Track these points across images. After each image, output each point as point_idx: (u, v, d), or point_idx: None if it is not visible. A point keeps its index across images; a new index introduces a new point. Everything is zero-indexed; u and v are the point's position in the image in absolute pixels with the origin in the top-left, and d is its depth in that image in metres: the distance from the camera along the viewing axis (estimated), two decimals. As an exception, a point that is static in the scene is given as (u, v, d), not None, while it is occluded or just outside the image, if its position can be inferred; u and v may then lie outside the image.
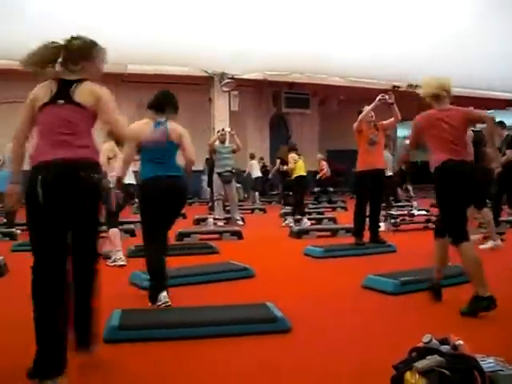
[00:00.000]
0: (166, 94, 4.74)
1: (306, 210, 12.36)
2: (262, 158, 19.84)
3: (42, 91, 3.09)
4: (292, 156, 11.45)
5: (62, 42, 3.22)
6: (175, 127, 4.58)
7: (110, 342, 3.43)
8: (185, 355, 3.28)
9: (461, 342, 2.43)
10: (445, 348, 2.43)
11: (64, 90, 3.02)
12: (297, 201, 11.55)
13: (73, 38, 3.24)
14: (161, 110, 4.58)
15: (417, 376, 2.28)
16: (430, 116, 4.51)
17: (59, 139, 2.93)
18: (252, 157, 18.90)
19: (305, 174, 11.53)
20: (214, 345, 3.43)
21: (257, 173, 18.60)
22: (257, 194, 18.57)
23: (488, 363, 2.45)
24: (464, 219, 4.33)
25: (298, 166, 11.43)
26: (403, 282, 4.82)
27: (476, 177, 4.50)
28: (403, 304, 4.49)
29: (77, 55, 3.17)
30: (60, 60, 3.17)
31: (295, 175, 11.39)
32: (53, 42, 3.19)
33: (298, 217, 11.04)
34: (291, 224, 10.60)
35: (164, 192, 4.38)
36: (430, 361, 2.29)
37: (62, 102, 3.00)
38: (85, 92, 3.03)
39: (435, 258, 4.62)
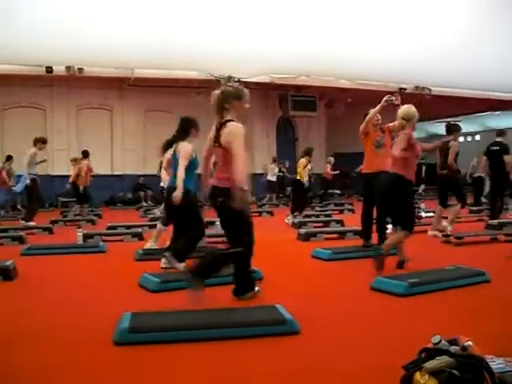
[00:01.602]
0: None
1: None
2: (281, 163, 20.06)
3: None
4: (302, 161, 12.25)
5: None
6: None
7: (120, 345, 3.45)
8: (194, 357, 3.29)
9: (470, 342, 2.43)
10: (454, 349, 2.44)
11: None
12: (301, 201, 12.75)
13: None
14: None
15: (426, 376, 2.29)
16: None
17: None
18: (274, 160, 19.38)
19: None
20: (223, 347, 3.45)
21: (271, 176, 19.02)
22: (268, 196, 18.92)
23: (497, 364, 2.46)
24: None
25: (306, 171, 12.21)
26: (412, 283, 4.82)
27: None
28: (412, 305, 4.49)
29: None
30: None
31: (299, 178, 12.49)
32: None
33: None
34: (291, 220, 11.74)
35: None
36: (440, 361, 2.29)
37: None
38: None
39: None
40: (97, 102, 19.72)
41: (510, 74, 19.88)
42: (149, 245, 7.55)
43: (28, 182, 11.11)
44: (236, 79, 17.70)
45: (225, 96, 4.67)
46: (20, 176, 12.36)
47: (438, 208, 9.21)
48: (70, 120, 19.37)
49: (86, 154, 14.17)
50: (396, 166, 5.99)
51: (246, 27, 16.67)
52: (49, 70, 16.43)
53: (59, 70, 16.57)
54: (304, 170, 12.41)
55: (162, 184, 8.16)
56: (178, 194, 5.91)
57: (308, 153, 12.73)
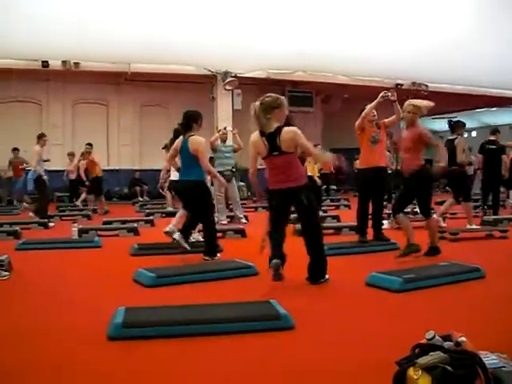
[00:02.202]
0: None
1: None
2: None
3: None
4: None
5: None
6: None
7: (114, 340, 3.44)
8: (189, 353, 3.28)
9: (464, 338, 2.43)
10: (448, 344, 2.43)
11: None
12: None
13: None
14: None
15: (420, 372, 2.28)
16: None
17: None
18: None
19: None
20: (217, 342, 3.44)
21: None
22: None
23: (491, 359, 2.46)
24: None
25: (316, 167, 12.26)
26: (407, 279, 4.83)
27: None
28: (406, 301, 4.49)
29: None
30: None
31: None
32: None
33: None
34: None
35: None
36: (433, 357, 2.29)
37: None
38: None
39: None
40: (93, 97, 19.66)
41: (506, 71, 19.90)
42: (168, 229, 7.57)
43: (35, 176, 11.21)
44: (233, 74, 17.69)
45: (265, 107, 4.93)
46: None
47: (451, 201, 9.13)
48: (65, 115, 19.30)
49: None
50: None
51: (243, 22, 16.62)
52: (45, 64, 16.35)
53: (55, 64, 16.49)
54: (315, 166, 12.29)
55: (173, 177, 8.53)
56: (221, 182, 8.02)
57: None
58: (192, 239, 7.23)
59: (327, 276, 5.16)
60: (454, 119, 10.20)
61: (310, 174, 12.14)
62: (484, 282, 5.14)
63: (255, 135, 5.06)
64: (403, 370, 2.37)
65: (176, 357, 3.23)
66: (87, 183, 14.55)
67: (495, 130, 11.28)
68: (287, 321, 3.67)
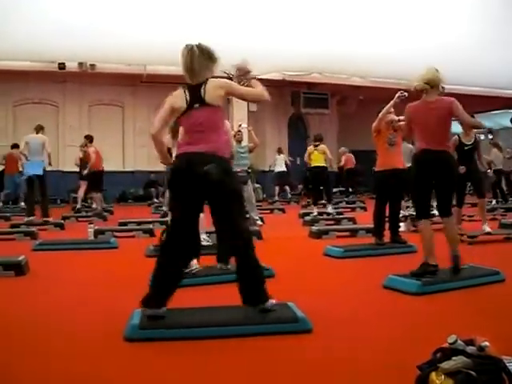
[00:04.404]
0: None
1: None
2: (291, 160, 19.95)
3: None
4: (309, 149, 12.17)
5: None
6: None
7: (131, 341, 3.43)
8: (206, 355, 3.26)
9: (487, 343, 2.38)
10: (470, 349, 2.39)
11: None
12: (312, 191, 12.94)
13: None
14: None
15: (443, 377, 2.24)
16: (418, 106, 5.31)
17: None
18: (279, 151, 19.12)
19: (320, 164, 12.34)
20: (235, 345, 3.42)
21: (280, 167, 18.73)
22: (277, 188, 18.80)
23: (514, 365, 2.41)
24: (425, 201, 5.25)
25: (314, 157, 12.17)
26: (425, 282, 4.77)
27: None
28: (426, 305, 4.44)
29: None
30: None
31: (311, 166, 12.57)
32: None
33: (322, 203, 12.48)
34: (315, 213, 11.99)
35: None
36: (457, 362, 2.25)
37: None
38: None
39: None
40: (109, 99, 19.77)
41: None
42: None
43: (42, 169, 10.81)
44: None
45: (203, 52, 4.12)
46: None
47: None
48: (82, 116, 19.41)
49: (91, 139, 13.67)
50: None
51: (259, 24, 16.64)
52: (61, 66, 16.50)
53: (72, 66, 16.63)
54: (312, 157, 12.41)
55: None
56: None
57: (318, 140, 12.61)
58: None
59: (272, 301, 3.76)
60: None
61: (323, 164, 12.22)
62: (504, 285, 5.06)
63: (177, 91, 4.02)
64: (425, 374, 2.33)
65: (193, 359, 3.21)
66: (84, 174, 13.52)
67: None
68: (305, 324, 3.64)
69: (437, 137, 5.14)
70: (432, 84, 5.22)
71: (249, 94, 4.08)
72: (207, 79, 3.92)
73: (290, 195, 19.55)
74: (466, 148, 8.27)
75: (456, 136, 8.36)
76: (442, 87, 5.43)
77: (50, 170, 11.33)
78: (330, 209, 12.29)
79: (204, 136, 3.73)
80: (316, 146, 12.45)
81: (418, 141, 5.38)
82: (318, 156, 12.33)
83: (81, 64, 16.58)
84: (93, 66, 16.61)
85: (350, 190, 19.98)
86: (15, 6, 14.96)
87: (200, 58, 4.01)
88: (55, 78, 17.90)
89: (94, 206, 13.90)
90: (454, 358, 2.30)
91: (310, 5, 17.58)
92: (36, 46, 15.28)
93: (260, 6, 16.85)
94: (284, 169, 18.87)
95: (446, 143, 5.28)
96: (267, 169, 20.30)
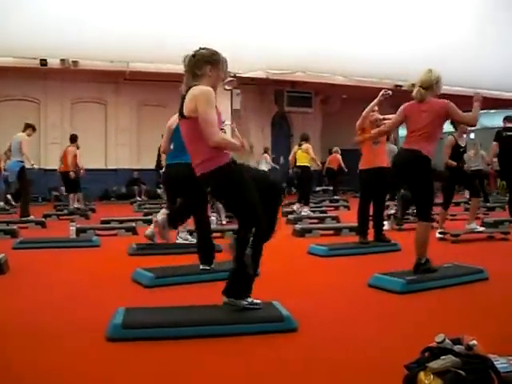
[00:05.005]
0: None
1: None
2: (275, 159, 19.88)
3: None
4: (308, 146, 12.23)
5: None
6: None
7: (113, 341, 3.37)
8: (190, 354, 3.21)
9: (475, 341, 2.36)
10: (458, 348, 2.36)
11: None
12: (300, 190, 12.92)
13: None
14: None
15: (431, 376, 2.21)
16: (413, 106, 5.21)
17: None
18: (265, 151, 19.06)
19: (303, 164, 12.36)
20: (219, 344, 3.37)
21: (264, 166, 18.64)
22: None
23: (501, 364, 2.38)
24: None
25: (298, 156, 12.39)
26: (409, 280, 4.77)
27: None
28: (410, 303, 4.43)
29: None
30: None
31: (294, 165, 12.72)
32: None
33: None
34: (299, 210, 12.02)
35: None
36: (445, 361, 2.22)
37: None
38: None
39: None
40: (91, 96, 19.59)
41: (506, 73, 19.88)
42: None
43: (17, 169, 10.66)
44: (232, 74, 17.61)
45: (197, 60, 3.84)
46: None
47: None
48: (64, 114, 19.20)
49: (74, 139, 13.48)
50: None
51: (243, 22, 16.59)
52: (43, 62, 16.28)
53: (54, 63, 16.42)
54: (297, 156, 12.43)
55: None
56: None
57: (304, 139, 12.61)
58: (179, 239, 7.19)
59: (249, 300, 3.76)
60: None
61: (306, 164, 12.22)
62: (488, 283, 5.08)
63: None
64: (414, 374, 2.30)
65: (176, 358, 3.16)
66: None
67: (510, 116, 10.32)
68: (290, 323, 3.60)
69: (420, 137, 5.03)
70: (425, 85, 5.11)
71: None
72: (190, 87, 3.75)
73: None
74: (461, 150, 8.28)
75: (451, 136, 8.34)
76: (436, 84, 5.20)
77: (30, 167, 11.12)
78: (305, 210, 12.05)
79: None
80: (300, 145, 12.50)
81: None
82: (301, 155, 12.38)
83: (63, 61, 16.36)
84: (75, 62, 16.41)
85: (331, 188, 19.99)
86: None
87: (189, 64, 3.85)
88: (37, 75, 17.67)
89: (74, 205, 13.74)
90: (442, 357, 2.28)
91: (295, 4, 17.57)
92: (17, 43, 15.09)
93: (244, 4, 16.80)
94: (269, 167, 18.84)
95: (424, 144, 5.01)
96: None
